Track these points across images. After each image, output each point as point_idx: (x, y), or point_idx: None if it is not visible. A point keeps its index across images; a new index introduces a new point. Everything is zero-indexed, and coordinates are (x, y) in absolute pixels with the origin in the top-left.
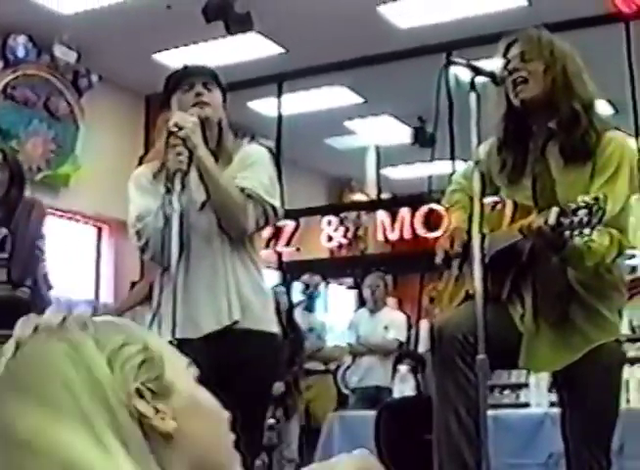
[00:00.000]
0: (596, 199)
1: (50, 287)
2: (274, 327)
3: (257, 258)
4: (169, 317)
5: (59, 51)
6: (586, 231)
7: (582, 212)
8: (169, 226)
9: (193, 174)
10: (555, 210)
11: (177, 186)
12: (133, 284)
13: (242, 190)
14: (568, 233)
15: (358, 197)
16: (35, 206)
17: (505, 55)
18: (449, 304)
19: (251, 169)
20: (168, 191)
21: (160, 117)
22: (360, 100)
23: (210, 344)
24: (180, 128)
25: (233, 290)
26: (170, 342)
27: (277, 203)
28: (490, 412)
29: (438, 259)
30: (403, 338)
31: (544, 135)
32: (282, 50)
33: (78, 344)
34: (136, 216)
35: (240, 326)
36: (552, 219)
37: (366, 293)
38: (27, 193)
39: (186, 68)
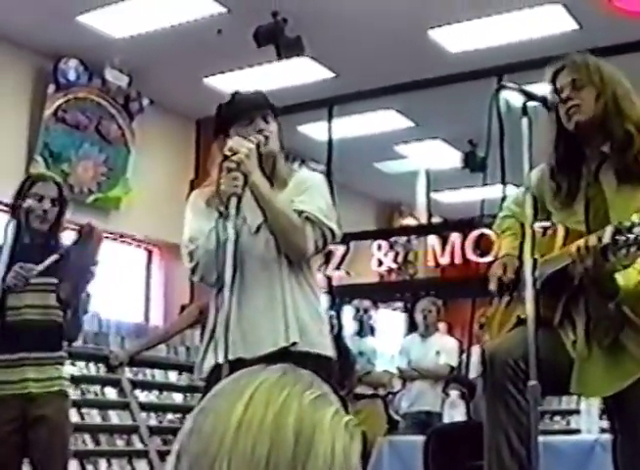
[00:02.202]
0: None
1: (86, 311)
2: (330, 351)
3: (314, 283)
4: (222, 340)
5: (110, 75)
6: None
7: (638, 230)
8: (223, 250)
9: (247, 197)
10: (610, 228)
11: (232, 210)
12: (183, 307)
13: (300, 213)
14: (624, 251)
15: (408, 221)
16: (95, 232)
17: (553, 81)
18: (500, 329)
19: (308, 194)
20: (221, 215)
21: (213, 145)
22: (410, 124)
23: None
24: (235, 153)
25: (291, 313)
26: (220, 364)
27: (335, 226)
28: (541, 438)
29: (492, 287)
30: (455, 363)
31: (597, 159)
32: (332, 74)
33: None
34: (188, 238)
35: (297, 349)
36: (607, 237)
37: (418, 318)
38: (72, 215)
39: (241, 98)
